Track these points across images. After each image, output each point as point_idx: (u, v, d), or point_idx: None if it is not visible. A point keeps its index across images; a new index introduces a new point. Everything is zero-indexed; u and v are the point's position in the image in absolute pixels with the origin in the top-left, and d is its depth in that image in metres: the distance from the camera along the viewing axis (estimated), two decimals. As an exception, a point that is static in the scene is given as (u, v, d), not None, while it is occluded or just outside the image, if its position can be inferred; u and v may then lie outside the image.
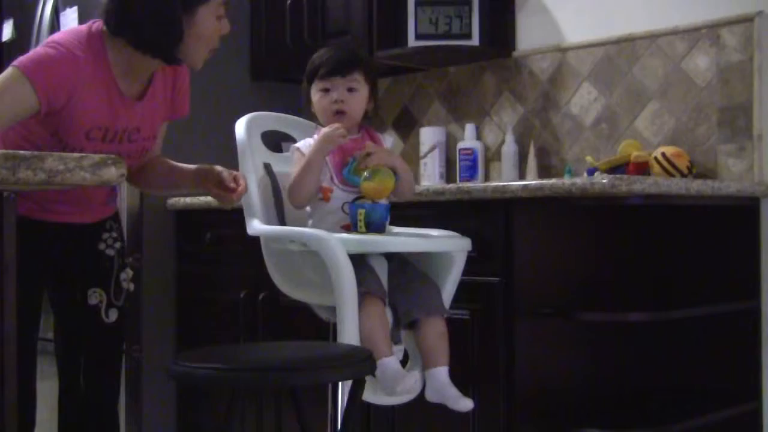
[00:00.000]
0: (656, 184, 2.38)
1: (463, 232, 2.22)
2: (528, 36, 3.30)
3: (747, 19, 2.78)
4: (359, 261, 2.07)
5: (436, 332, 2.11)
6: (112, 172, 1.26)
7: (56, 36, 2.02)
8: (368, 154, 2.13)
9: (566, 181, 2.34)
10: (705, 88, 2.87)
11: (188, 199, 3.41)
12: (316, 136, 2.18)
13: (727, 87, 2.82)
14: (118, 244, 2.25)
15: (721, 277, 2.79)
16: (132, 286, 2.26)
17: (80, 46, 1.97)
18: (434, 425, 2.52)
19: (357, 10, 3.36)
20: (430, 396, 2.11)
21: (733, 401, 2.71)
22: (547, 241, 2.55)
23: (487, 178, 3.38)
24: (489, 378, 2.46)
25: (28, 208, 2.04)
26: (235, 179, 2.10)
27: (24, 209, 1.98)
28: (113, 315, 2.21)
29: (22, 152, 1.19)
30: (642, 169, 2.79)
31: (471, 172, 3.34)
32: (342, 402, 2.16)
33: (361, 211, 2.08)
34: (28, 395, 2.15)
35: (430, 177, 3.43)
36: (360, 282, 2.01)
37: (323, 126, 2.20)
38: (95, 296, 2.19)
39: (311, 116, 2.27)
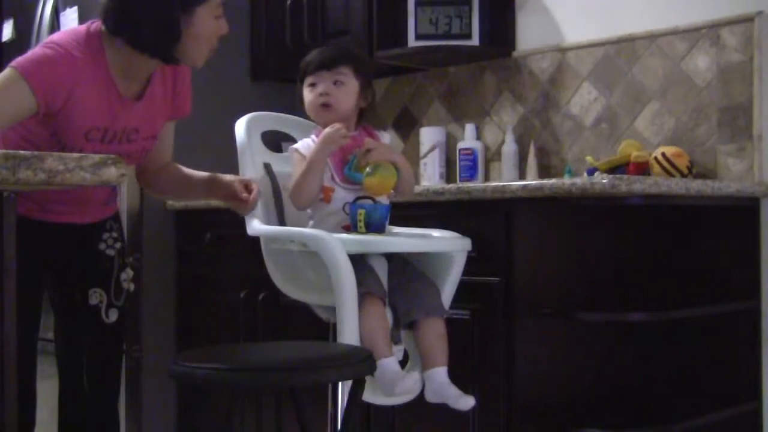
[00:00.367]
0: (656, 184, 2.38)
1: (463, 232, 2.22)
2: (528, 36, 3.30)
3: (747, 19, 2.78)
4: (359, 261, 2.07)
5: (434, 333, 2.11)
6: (112, 172, 1.26)
7: (54, 36, 2.02)
8: (368, 151, 2.13)
9: (566, 181, 2.34)
10: (705, 88, 2.87)
11: (188, 199, 3.41)
12: (314, 137, 2.18)
13: (727, 87, 2.82)
14: (118, 245, 2.25)
15: (721, 277, 2.79)
16: (132, 286, 2.26)
17: (78, 47, 1.97)
18: (434, 425, 2.52)
19: (357, 10, 3.36)
20: (430, 397, 2.11)
21: (733, 401, 2.71)
22: (547, 241, 2.55)
23: (487, 178, 3.38)
24: (489, 378, 2.46)
25: (28, 208, 2.04)
26: (247, 187, 2.09)
27: (24, 209, 1.97)
28: (113, 315, 2.21)
29: (22, 152, 1.19)
30: (642, 169, 2.78)
31: (471, 172, 3.34)
32: (342, 402, 2.16)
33: (361, 211, 2.08)
34: (28, 395, 2.15)
35: (430, 177, 3.43)
36: (360, 282, 2.01)
37: (319, 125, 2.20)
38: (95, 296, 2.19)
39: (305, 116, 2.28)
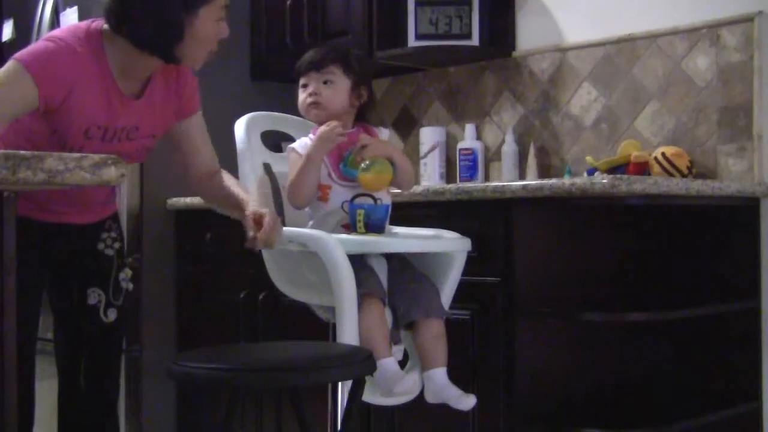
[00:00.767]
0: (656, 184, 2.38)
1: (463, 232, 2.22)
2: (528, 36, 3.30)
3: (747, 19, 2.78)
4: (359, 262, 2.07)
5: (433, 333, 2.11)
6: (112, 172, 1.26)
7: (56, 31, 2.02)
8: (364, 146, 2.13)
9: (566, 181, 2.34)
10: (705, 88, 2.87)
11: (188, 199, 3.41)
12: (311, 136, 2.18)
13: (727, 87, 2.82)
14: (117, 244, 2.25)
15: (721, 277, 2.78)
16: (131, 286, 2.26)
17: (79, 42, 1.98)
18: (434, 425, 2.52)
19: (357, 10, 3.36)
20: (430, 397, 2.11)
21: (733, 401, 2.71)
22: (547, 241, 2.55)
23: (487, 178, 3.38)
24: (489, 378, 2.46)
25: (29, 209, 2.04)
26: (259, 221, 1.99)
27: (24, 209, 1.98)
28: (112, 314, 2.21)
29: (22, 152, 1.19)
30: (642, 169, 2.78)
31: (471, 172, 3.34)
32: (342, 402, 2.16)
33: (360, 211, 2.08)
34: (28, 395, 2.15)
35: (430, 177, 3.43)
36: (359, 283, 2.01)
37: (315, 124, 2.21)
38: (94, 296, 2.19)
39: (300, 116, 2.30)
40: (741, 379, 2.76)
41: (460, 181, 3.34)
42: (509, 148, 3.27)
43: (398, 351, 2.14)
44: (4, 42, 4.04)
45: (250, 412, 3.03)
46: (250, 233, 1.98)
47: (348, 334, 1.99)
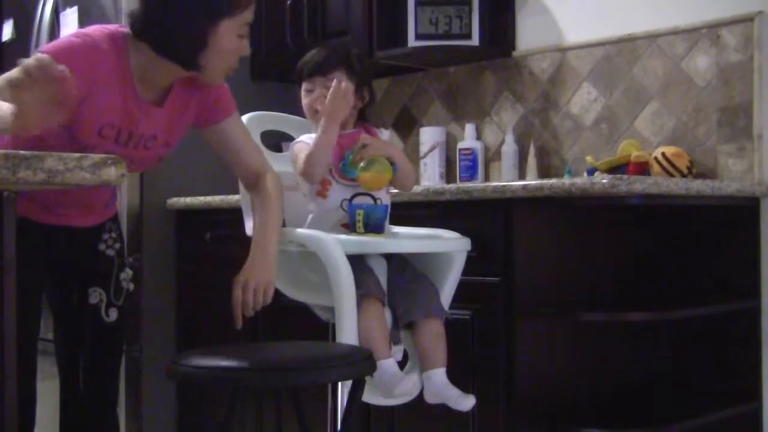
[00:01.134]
0: (656, 184, 2.38)
1: (463, 232, 2.22)
2: (528, 36, 3.30)
3: (747, 19, 2.78)
4: (358, 262, 2.07)
5: (432, 334, 2.11)
6: (112, 172, 1.26)
7: (84, 28, 2.04)
8: (364, 146, 2.14)
9: (566, 181, 2.34)
10: (705, 88, 2.87)
11: (188, 199, 3.41)
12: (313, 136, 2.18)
13: (727, 87, 2.82)
14: (117, 245, 2.25)
15: (721, 277, 2.79)
16: (132, 286, 2.26)
17: (106, 40, 1.99)
18: (434, 425, 2.52)
19: (357, 10, 3.36)
20: (430, 398, 2.11)
21: (733, 401, 2.71)
22: (547, 241, 2.55)
23: (487, 178, 3.38)
24: (489, 378, 2.46)
25: (30, 210, 2.04)
26: (244, 293, 2.00)
27: (26, 211, 1.98)
28: (113, 314, 2.21)
29: (22, 152, 1.19)
30: (642, 169, 2.78)
31: (471, 172, 3.34)
32: (342, 402, 2.16)
33: (360, 211, 2.08)
34: (29, 396, 2.15)
35: (430, 177, 3.43)
36: (359, 284, 2.02)
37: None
38: (95, 295, 2.19)
39: (304, 115, 2.30)
40: (741, 379, 2.76)
41: (460, 181, 3.34)
42: (509, 148, 3.27)
43: (398, 351, 2.14)
44: (4, 42, 4.05)
45: (250, 412, 3.02)
46: (235, 313, 1.99)
47: (347, 334, 1.99)
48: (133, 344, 3.35)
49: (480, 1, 3.22)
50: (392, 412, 2.40)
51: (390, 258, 2.18)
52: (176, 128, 2.14)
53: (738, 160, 2.79)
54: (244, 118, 2.33)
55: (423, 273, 2.19)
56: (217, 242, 3.32)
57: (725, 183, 2.64)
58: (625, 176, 2.34)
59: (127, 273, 2.25)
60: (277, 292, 2.27)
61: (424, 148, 3.45)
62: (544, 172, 3.21)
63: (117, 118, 2.01)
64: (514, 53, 3.32)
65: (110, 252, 2.23)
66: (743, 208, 2.75)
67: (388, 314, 2.11)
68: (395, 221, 2.25)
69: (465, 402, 2.07)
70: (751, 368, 2.75)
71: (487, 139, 3.41)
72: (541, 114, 3.26)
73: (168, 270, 3.53)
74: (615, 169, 2.82)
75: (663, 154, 2.79)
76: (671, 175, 2.75)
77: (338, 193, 2.16)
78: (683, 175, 2.76)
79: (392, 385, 1.99)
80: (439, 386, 2.08)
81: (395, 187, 2.24)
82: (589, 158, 2.96)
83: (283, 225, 2.25)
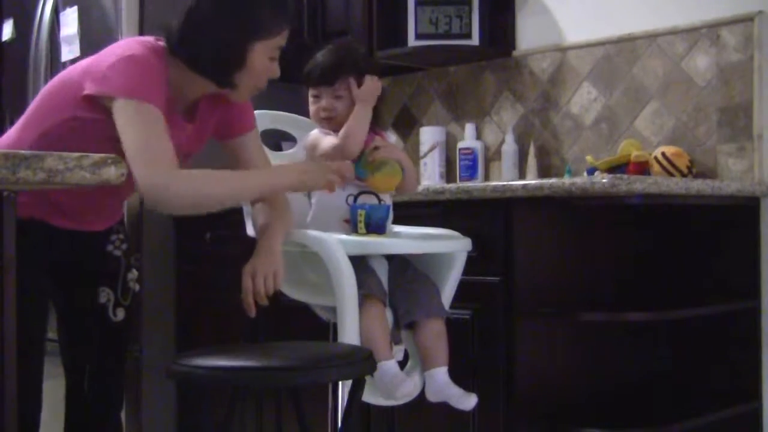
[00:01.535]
0: (656, 183, 2.38)
1: (463, 232, 2.22)
2: (528, 36, 3.30)
3: (747, 19, 2.78)
4: (359, 262, 2.07)
5: (434, 333, 2.11)
6: (112, 172, 1.26)
7: (124, 48, 1.95)
8: (376, 148, 2.16)
9: (566, 181, 2.34)
10: (705, 87, 2.87)
11: (188, 199, 3.41)
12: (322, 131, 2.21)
13: (727, 87, 2.82)
14: (124, 246, 2.26)
15: (721, 277, 2.79)
16: (137, 286, 2.27)
17: (153, 56, 1.95)
18: (434, 425, 2.52)
19: (357, 10, 3.36)
20: (431, 397, 2.11)
21: (733, 401, 2.71)
22: (547, 241, 2.55)
23: (487, 177, 3.38)
24: (489, 378, 2.46)
25: (44, 212, 2.03)
26: (254, 282, 2.00)
27: (39, 213, 1.98)
28: (120, 314, 2.22)
29: (22, 152, 1.19)
30: (642, 168, 2.78)
31: (471, 172, 3.34)
32: (342, 402, 2.16)
33: (361, 212, 2.08)
34: (35, 397, 2.15)
35: (430, 177, 3.43)
36: (360, 284, 2.02)
37: None
38: (104, 295, 2.19)
39: (305, 115, 2.32)
40: (741, 379, 2.76)
41: (460, 180, 3.34)
42: (509, 147, 3.27)
43: (399, 351, 2.14)
44: (4, 42, 4.04)
45: (250, 412, 3.02)
46: (245, 303, 1.98)
47: (348, 334, 1.99)
48: (133, 344, 3.35)
49: (480, 0, 3.22)
50: (392, 412, 2.40)
51: (391, 258, 2.18)
52: (201, 143, 2.14)
53: (738, 159, 2.79)
54: (244, 117, 2.32)
55: (424, 273, 2.19)
56: (217, 242, 3.32)
57: (725, 183, 2.64)
58: (625, 176, 2.34)
59: (134, 273, 2.26)
60: (277, 292, 2.28)
61: (424, 148, 3.45)
62: (544, 171, 3.21)
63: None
64: (514, 53, 3.32)
65: (117, 252, 2.24)
66: (743, 208, 2.75)
67: (389, 314, 2.11)
68: (396, 220, 2.25)
69: (467, 401, 2.07)
70: (751, 368, 2.75)
71: (487, 138, 3.41)
72: (541, 114, 3.26)
73: (168, 270, 3.53)
74: (615, 168, 2.82)
75: (663, 154, 2.79)
76: (671, 174, 2.75)
77: (344, 189, 2.17)
78: (683, 175, 2.76)
79: (393, 386, 1.99)
80: (441, 385, 2.08)
81: (400, 191, 2.25)
82: (589, 158, 2.96)
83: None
